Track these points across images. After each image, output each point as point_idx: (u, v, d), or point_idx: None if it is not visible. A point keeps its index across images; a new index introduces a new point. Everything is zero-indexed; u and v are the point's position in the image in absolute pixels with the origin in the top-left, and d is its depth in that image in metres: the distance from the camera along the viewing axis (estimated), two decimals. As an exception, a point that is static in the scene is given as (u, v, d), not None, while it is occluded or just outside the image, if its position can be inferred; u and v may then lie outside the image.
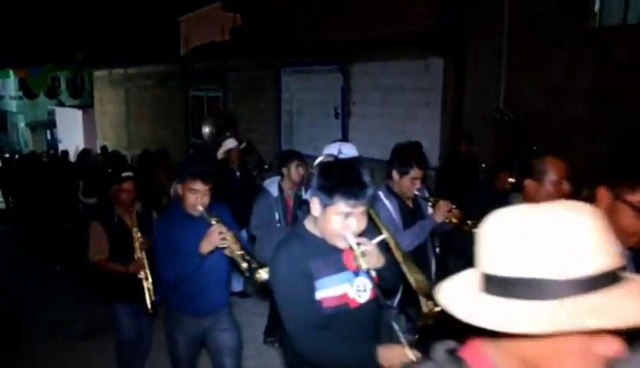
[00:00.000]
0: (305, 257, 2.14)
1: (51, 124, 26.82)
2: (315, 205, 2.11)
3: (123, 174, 3.97)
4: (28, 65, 27.38)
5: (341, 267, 2.19)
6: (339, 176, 2.06)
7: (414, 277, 2.74)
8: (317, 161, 2.94)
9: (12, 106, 30.87)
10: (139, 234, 3.93)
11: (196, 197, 3.10)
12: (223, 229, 3.00)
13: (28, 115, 29.32)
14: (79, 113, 22.90)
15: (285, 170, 4.64)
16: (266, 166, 7.56)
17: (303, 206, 4.37)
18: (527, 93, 7.25)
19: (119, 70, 17.89)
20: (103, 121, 19.56)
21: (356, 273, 2.21)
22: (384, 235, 2.50)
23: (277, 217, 4.55)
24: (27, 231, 9.66)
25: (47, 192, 8.38)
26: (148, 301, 3.87)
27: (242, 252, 3.01)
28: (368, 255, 2.10)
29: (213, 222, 3.07)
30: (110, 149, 14.82)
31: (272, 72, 11.08)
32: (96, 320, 5.82)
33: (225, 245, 3.03)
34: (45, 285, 7.25)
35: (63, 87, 28.15)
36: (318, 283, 2.15)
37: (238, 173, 6.38)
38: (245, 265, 2.98)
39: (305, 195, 4.48)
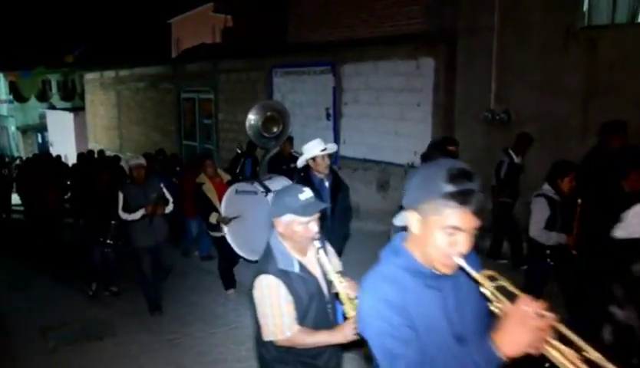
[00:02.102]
0: None
1: (42, 127, 26.67)
2: None
3: (303, 196, 2.44)
4: (18, 68, 27.25)
5: None
6: None
7: None
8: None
9: (3, 109, 30.66)
10: (342, 281, 2.51)
11: (455, 241, 1.53)
12: (539, 307, 1.39)
13: (18, 118, 29.14)
14: (70, 116, 22.79)
15: None
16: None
17: None
18: (517, 93, 7.28)
19: (110, 72, 17.81)
20: (95, 124, 19.46)
21: None
22: None
23: None
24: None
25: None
26: None
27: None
28: None
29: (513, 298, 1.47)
30: (105, 153, 14.71)
31: (263, 73, 11.06)
32: (87, 323, 5.79)
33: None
34: (35, 289, 7.20)
35: (54, 90, 28.03)
36: None
37: (327, 185, 4.65)
38: None
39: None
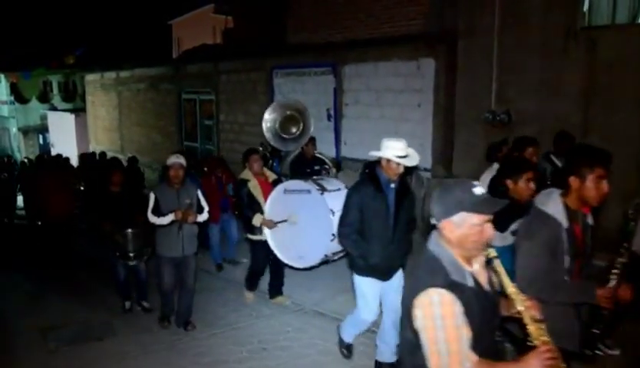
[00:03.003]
0: None
1: (44, 128, 26.70)
2: None
3: (478, 190, 2.03)
4: (19, 69, 27.27)
5: None
6: None
7: None
8: None
9: (4, 110, 30.67)
10: (524, 299, 2.12)
11: None
12: None
13: (19, 120, 29.15)
14: (71, 117, 22.81)
15: (575, 180, 2.65)
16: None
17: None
18: (518, 93, 7.28)
19: (111, 73, 17.84)
20: (96, 125, 19.49)
21: None
22: None
23: (567, 263, 2.62)
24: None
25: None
26: None
27: None
28: None
29: None
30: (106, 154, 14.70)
31: (264, 74, 11.07)
32: (87, 324, 5.79)
33: None
34: (35, 291, 7.20)
35: (55, 91, 28.04)
36: None
37: (393, 187, 4.05)
38: None
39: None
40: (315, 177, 5.78)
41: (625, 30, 6.59)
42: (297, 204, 5.43)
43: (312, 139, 6.99)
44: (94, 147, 18.35)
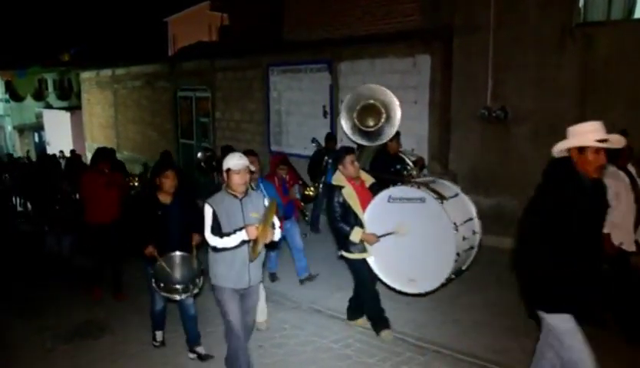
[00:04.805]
0: None
1: (39, 127, 26.62)
2: None
3: None
4: (13, 67, 27.14)
5: None
6: None
7: None
8: None
9: (-1, 109, 30.59)
10: None
11: None
12: None
13: (15, 118, 29.06)
14: (67, 115, 22.76)
15: None
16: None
17: None
18: (514, 90, 7.29)
19: (107, 71, 17.78)
20: (92, 123, 19.43)
21: None
22: None
23: None
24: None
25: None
26: None
27: None
28: None
29: None
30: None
31: (260, 71, 11.05)
32: (85, 323, 5.78)
33: None
34: (34, 288, 7.19)
35: (50, 89, 27.91)
36: None
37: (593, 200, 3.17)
38: None
39: None
40: (425, 180, 4.90)
41: (621, 26, 6.61)
42: (405, 215, 4.51)
43: (398, 134, 5.98)
44: (90, 145, 18.29)
